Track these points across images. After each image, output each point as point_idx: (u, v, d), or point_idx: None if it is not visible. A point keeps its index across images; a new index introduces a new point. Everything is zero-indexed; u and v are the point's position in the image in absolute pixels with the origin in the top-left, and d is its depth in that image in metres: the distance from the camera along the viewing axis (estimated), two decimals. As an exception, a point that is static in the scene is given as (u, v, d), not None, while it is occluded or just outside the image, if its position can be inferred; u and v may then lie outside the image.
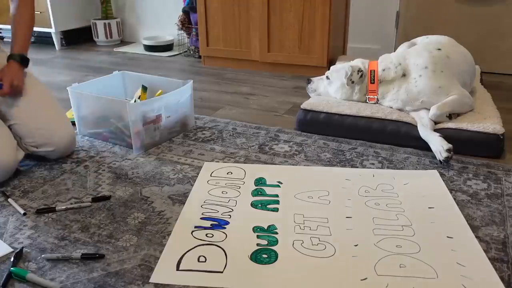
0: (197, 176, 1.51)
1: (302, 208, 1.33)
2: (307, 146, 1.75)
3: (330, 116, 1.85)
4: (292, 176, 1.52)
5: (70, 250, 1.14)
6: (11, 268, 1.06)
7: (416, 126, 1.72)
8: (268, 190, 1.43)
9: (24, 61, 1.59)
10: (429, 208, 1.31)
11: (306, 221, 1.26)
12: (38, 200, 1.38)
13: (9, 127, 1.57)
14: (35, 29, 3.59)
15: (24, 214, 1.30)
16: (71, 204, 1.35)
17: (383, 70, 1.86)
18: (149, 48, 3.45)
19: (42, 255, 1.12)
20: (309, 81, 2.09)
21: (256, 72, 2.87)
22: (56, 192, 1.43)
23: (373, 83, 1.88)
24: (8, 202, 1.37)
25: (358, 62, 1.94)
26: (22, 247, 1.14)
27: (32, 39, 3.84)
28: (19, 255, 1.11)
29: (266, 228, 1.23)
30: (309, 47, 2.69)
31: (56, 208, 1.32)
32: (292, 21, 2.67)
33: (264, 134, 1.86)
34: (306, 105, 1.92)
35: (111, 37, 3.71)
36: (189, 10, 3.19)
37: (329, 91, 2.01)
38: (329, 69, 2.03)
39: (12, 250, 1.14)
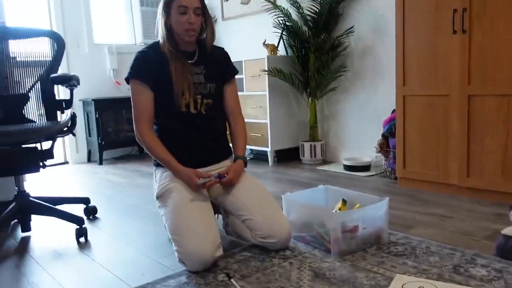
0: (388, 285, 1.62)
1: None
2: (508, 273, 1.69)
3: (535, 245, 1.76)
4: (489, 300, 1.49)
5: (277, 328, 1.36)
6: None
7: None
8: (461, 310, 1.44)
9: (246, 162, 2.15)
10: None
11: None
12: (253, 284, 1.68)
13: (243, 221, 1.98)
14: (255, 147, 4.37)
15: (242, 293, 1.61)
16: (278, 291, 1.61)
17: None
18: (348, 168, 3.78)
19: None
20: None
21: (453, 196, 2.86)
22: (267, 280, 1.71)
23: None
24: (231, 282, 1.70)
25: None
26: (241, 318, 1.42)
27: (252, 156, 4.66)
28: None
29: None
30: (514, 174, 2.61)
31: (267, 292, 1.59)
32: (495, 147, 2.67)
33: (459, 256, 1.87)
34: (508, 231, 1.87)
35: (315, 156, 4.19)
36: (388, 135, 3.46)
37: (535, 220, 1.92)
38: (535, 197, 1.97)
39: (233, 318, 1.43)
